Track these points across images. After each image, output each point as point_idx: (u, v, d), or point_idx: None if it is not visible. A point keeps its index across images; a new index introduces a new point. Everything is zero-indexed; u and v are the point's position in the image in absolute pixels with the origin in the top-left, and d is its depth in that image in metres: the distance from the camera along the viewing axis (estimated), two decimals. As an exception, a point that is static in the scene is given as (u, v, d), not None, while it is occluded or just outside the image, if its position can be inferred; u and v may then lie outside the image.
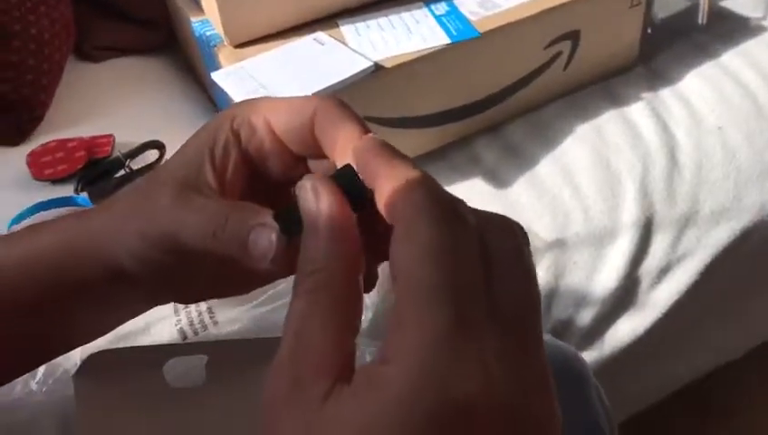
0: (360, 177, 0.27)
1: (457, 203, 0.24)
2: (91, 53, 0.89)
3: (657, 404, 0.89)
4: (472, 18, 0.72)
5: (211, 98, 0.85)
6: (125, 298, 0.34)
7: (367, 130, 0.29)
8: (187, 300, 0.38)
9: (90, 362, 0.39)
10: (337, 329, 0.24)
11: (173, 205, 0.31)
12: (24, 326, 0.34)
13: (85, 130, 0.78)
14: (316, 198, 0.26)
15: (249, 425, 0.42)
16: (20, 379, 0.59)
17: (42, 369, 0.60)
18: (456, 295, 0.22)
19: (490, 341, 0.22)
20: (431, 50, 0.69)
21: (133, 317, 0.37)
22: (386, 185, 0.25)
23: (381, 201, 0.25)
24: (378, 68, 0.68)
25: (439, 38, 0.70)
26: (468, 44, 0.71)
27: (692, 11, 0.90)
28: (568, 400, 0.51)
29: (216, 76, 0.69)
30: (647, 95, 0.83)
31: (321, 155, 0.31)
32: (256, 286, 0.37)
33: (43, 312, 0.33)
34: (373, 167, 0.26)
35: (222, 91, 0.68)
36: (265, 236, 0.29)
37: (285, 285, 0.64)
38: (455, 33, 0.71)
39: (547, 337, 0.58)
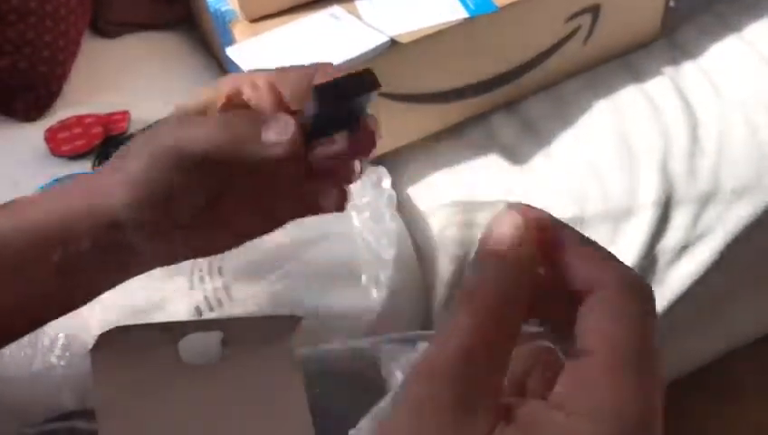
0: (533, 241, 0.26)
1: (646, 282, 0.26)
2: (107, 28, 0.89)
3: (673, 383, 0.89)
4: (490, -8, 0.71)
5: (227, 73, 0.85)
6: (120, 251, 0.36)
7: None
8: (181, 250, 0.39)
9: (106, 338, 0.39)
10: (503, 362, 0.24)
11: (178, 123, 0.35)
12: (31, 288, 0.36)
13: (102, 106, 0.78)
14: (510, 231, 0.25)
15: (263, 401, 0.42)
16: (39, 353, 0.60)
17: (60, 342, 0.61)
18: (646, 366, 0.23)
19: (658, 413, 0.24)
20: (448, 24, 0.68)
21: (129, 276, 0.39)
22: (579, 257, 0.25)
23: (573, 270, 0.25)
24: (394, 43, 0.67)
25: (457, 12, 0.69)
26: (486, 19, 0.70)
27: (716, -17, 0.88)
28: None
29: (230, 51, 0.68)
30: (668, 70, 0.82)
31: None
32: (258, 229, 0.40)
33: (49, 272, 0.36)
34: (562, 237, 0.26)
35: (237, 66, 0.68)
36: (282, 120, 0.34)
37: (299, 263, 0.64)
38: (473, 7, 0.69)
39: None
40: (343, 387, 0.48)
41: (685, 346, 0.84)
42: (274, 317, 0.46)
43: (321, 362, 0.50)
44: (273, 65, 0.65)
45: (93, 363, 0.38)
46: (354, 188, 0.69)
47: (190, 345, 0.42)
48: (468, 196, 0.73)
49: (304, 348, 0.47)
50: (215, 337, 0.42)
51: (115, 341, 0.40)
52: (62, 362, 0.60)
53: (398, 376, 0.48)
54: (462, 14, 0.69)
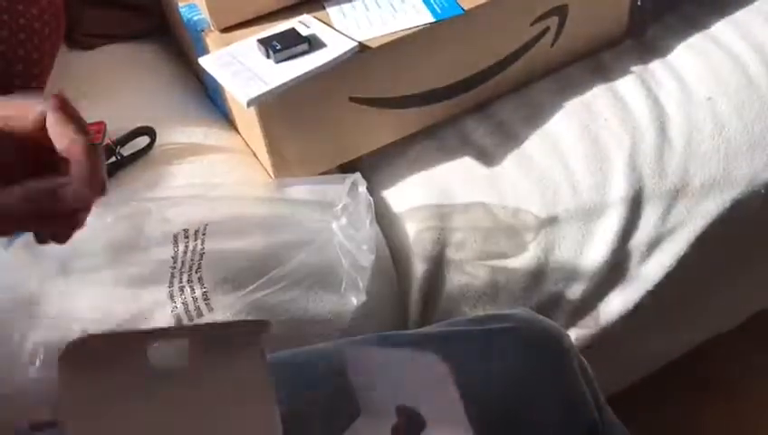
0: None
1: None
2: (82, 40, 0.89)
3: (651, 375, 0.90)
4: (457, -5, 0.72)
5: (203, 82, 0.86)
6: None
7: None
8: None
9: (74, 347, 0.40)
10: None
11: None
12: None
13: (78, 118, 0.78)
14: None
15: (233, 406, 0.43)
16: (19, 367, 0.60)
17: (40, 356, 0.61)
18: None
19: None
20: (416, 29, 0.69)
21: None
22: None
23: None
24: (363, 48, 0.68)
25: (424, 17, 0.70)
26: (453, 22, 0.71)
27: (682, -18, 0.89)
28: (547, 373, 0.52)
29: (203, 61, 0.69)
30: (636, 69, 0.83)
31: None
32: None
33: None
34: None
35: (210, 75, 0.69)
36: None
37: (279, 271, 0.65)
38: (439, 11, 0.70)
39: (526, 311, 0.59)
40: (312, 389, 0.49)
41: (659, 340, 0.85)
42: (243, 322, 0.46)
43: (289, 364, 0.51)
44: (244, 75, 0.66)
45: (60, 372, 0.39)
46: (331, 194, 0.70)
47: (159, 353, 0.42)
48: (442, 198, 0.74)
49: (273, 352, 0.48)
50: (184, 343, 0.43)
51: (84, 349, 0.40)
52: (42, 376, 0.60)
53: (362, 378, 0.49)
54: (428, 18, 0.70)
